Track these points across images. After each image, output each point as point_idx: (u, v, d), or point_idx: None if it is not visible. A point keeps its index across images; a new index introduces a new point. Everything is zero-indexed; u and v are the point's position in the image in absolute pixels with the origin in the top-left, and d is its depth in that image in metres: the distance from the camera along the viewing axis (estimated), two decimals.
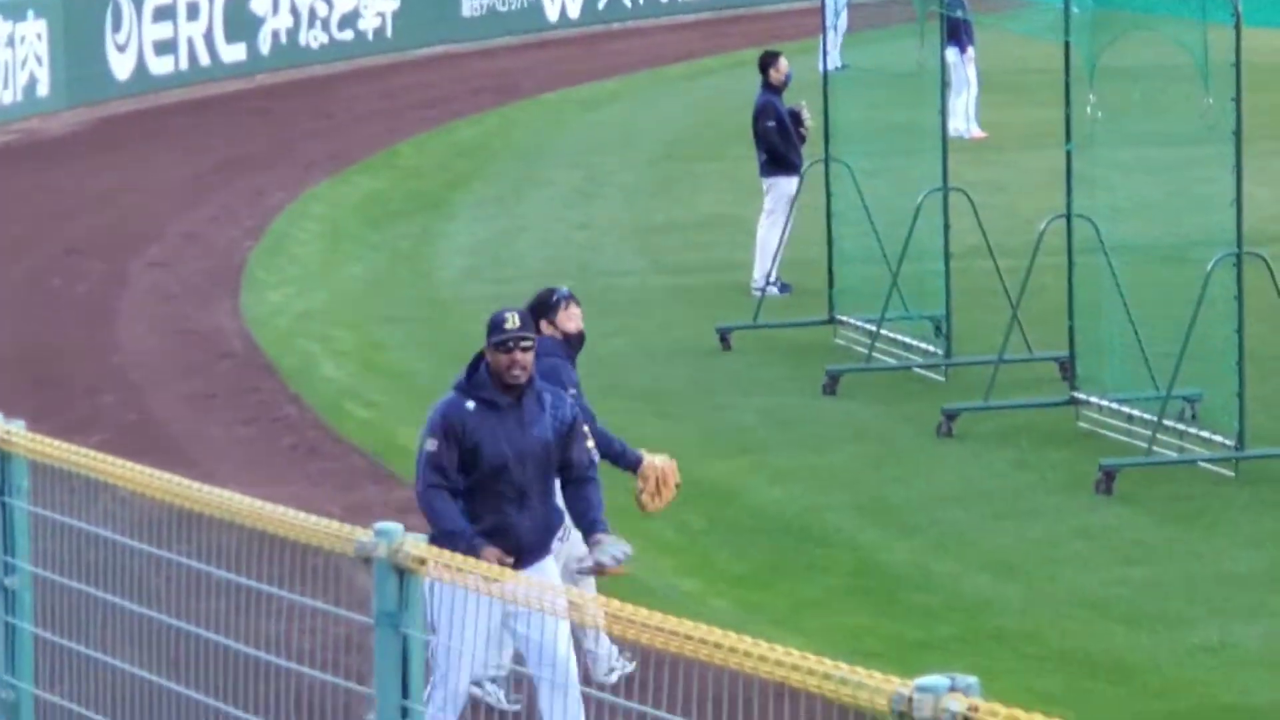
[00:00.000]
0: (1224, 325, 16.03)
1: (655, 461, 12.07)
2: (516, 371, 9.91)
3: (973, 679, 4.35)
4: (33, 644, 8.90)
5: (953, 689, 4.40)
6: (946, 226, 19.09)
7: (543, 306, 11.92)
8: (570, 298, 12.32)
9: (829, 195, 20.18)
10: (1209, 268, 16.14)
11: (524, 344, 10.05)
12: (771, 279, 20.88)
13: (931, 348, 19.29)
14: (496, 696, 11.09)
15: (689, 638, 5.54)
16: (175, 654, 8.32)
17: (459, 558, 6.61)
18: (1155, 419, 16.26)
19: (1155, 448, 16.18)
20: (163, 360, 20.60)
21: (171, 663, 8.37)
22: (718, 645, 5.34)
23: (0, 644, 8.70)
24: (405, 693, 6.38)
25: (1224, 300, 16.09)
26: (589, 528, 10.13)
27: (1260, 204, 19.49)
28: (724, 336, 20.04)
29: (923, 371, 18.62)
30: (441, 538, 9.05)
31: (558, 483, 10.38)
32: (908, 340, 19.35)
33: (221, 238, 25.36)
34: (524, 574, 8.91)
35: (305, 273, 24.20)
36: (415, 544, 6.33)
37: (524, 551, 9.96)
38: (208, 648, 8.02)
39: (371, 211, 27.24)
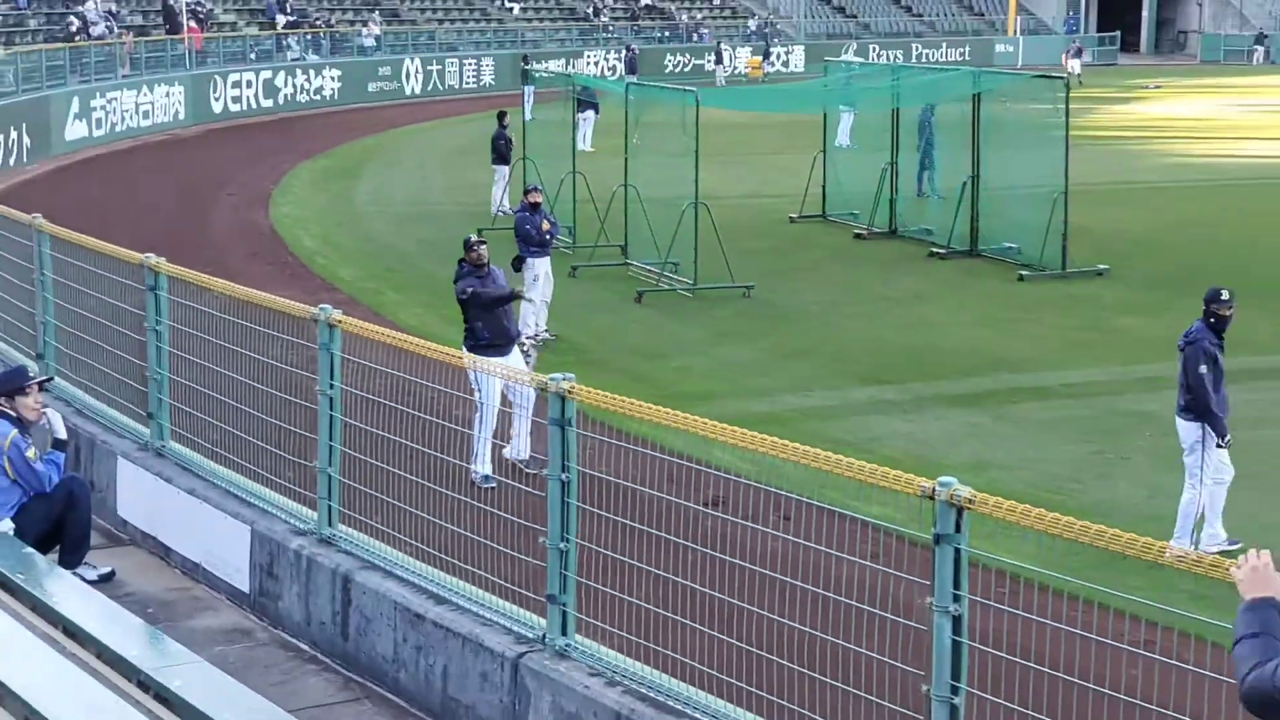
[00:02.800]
0: None
1: None
2: (475, 256, 14.33)
3: None
4: None
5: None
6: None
7: None
8: None
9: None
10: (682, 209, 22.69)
11: (481, 245, 14.46)
12: None
13: None
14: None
15: None
16: None
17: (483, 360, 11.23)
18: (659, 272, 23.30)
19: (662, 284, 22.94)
20: None
21: None
22: None
23: None
24: None
25: None
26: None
27: (712, 186, 25.09)
28: None
29: None
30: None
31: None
32: None
33: (261, 181, 35.36)
34: (507, 360, 13.45)
35: (301, 199, 33.64)
36: None
37: (510, 341, 14.35)
38: None
39: (327, 173, 37.92)
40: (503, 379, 12.04)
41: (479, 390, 12.22)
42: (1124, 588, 7.02)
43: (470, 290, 14.15)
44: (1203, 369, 12.21)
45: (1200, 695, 6.26)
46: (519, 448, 13.32)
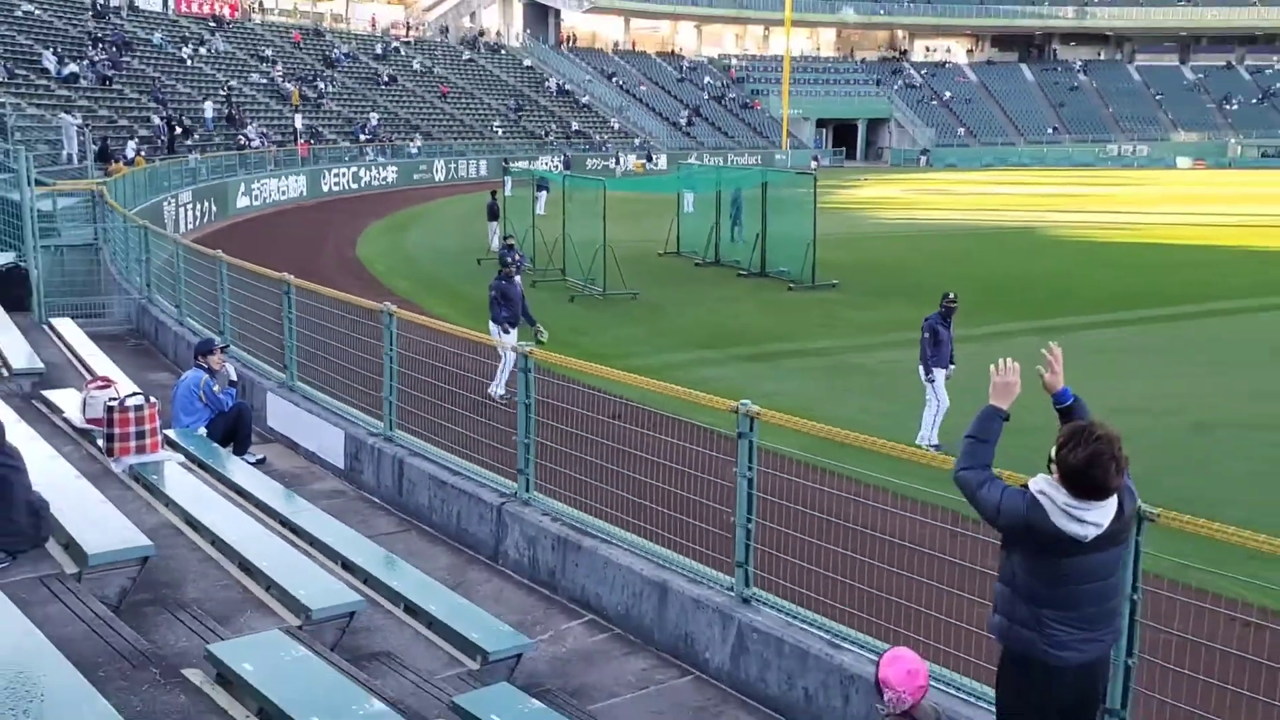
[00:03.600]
0: None
1: None
2: (508, 271, 13.96)
3: None
4: None
5: None
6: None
7: None
8: None
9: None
10: (596, 247, 22.86)
11: (511, 266, 13.93)
12: None
13: None
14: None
15: None
16: None
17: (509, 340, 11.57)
18: (583, 284, 22.97)
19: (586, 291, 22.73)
20: None
21: None
22: None
23: None
24: None
25: None
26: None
27: (614, 235, 23.89)
28: None
29: None
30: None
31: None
32: None
33: (350, 231, 33.94)
34: (511, 335, 13.34)
35: (374, 242, 32.17)
36: None
37: (516, 323, 13.89)
38: None
39: (389, 226, 36.31)
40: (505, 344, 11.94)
41: (502, 348, 12.21)
42: (847, 463, 7.05)
43: (494, 292, 13.89)
44: (926, 335, 11.97)
45: (895, 522, 6.29)
46: (499, 384, 13.09)
